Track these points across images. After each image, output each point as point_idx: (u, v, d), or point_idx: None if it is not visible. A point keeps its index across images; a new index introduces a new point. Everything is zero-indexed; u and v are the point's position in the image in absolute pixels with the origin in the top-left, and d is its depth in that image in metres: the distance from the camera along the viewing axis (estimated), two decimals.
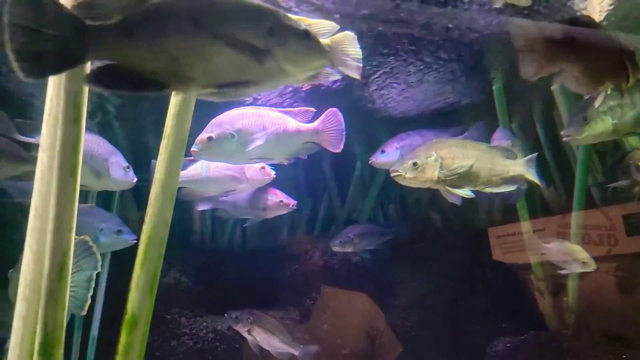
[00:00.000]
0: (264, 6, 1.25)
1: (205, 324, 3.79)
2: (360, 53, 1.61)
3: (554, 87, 2.87)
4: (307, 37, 1.27)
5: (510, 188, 2.38)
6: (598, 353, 2.85)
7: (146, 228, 1.53)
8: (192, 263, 3.98)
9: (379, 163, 3.06)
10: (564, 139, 2.43)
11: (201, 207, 3.36)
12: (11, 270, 2.15)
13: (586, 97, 2.47)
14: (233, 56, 1.18)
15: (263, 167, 2.87)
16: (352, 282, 3.97)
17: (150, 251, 1.50)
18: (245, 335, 3.27)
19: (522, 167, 2.35)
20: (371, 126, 3.76)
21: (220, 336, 3.73)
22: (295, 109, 2.42)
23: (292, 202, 3.24)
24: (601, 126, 2.33)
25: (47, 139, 1.44)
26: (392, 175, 2.29)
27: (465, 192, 2.33)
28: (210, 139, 2.29)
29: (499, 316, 3.56)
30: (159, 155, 1.57)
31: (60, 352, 1.31)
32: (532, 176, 2.38)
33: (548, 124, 3.50)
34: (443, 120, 3.52)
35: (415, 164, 2.23)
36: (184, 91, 1.29)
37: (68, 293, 1.34)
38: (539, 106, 3.42)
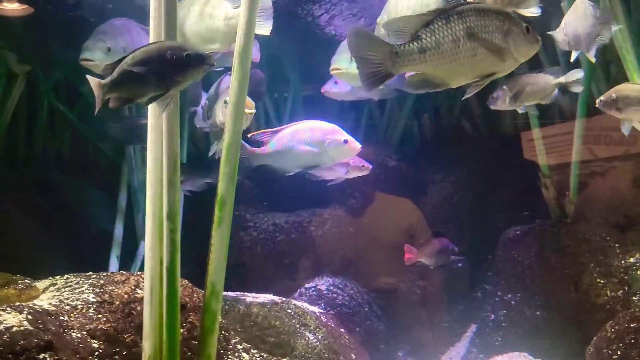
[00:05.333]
0: (501, 11, 1.79)
1: (266, 218, 4.57)
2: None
3: (564, 4, 3.13)
4: (528, 31, 1.77)
5: None
6: (591, 236, 3.39)
7: (226, 137, 2.15)
8: (254, 169, 4.67)
9: (331, 93, 3.33)
10: None
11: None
12: None
13: None
14: (488, 56, 1.72)
15: (346, 141, 2.87)
16: (389, 183, 4.58)
17: (231, 152, 2.13)
18: None
19: None
20: None
21: (279, 228, 4.50)
22: None
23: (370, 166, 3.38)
24: None
25: None
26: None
27: None
28: None
29: (516, 209, 4.11)
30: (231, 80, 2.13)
31: (179, 219, 2.00)
32: None
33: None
34: None
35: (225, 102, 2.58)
36: (456, 85, 1.87)
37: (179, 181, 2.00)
38: None
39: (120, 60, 1.78)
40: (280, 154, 2.96)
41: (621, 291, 3.06)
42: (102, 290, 2.20)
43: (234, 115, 2.14)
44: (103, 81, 1.77)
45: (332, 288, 4.20)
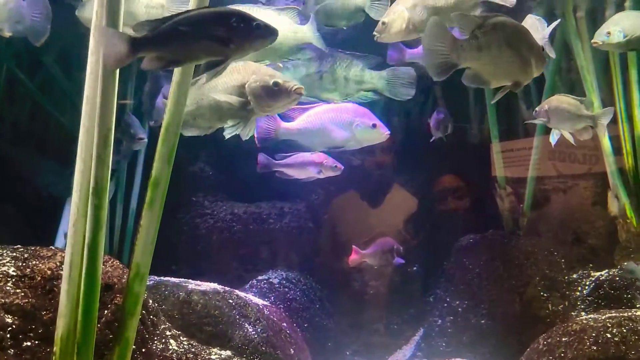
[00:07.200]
0: (527, 29, 2.11)
1: (224, 207, 4.51)
2: None
3: None
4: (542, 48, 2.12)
5: None
6: (539, 249, 3.41)
7: (166, 117, 2.09)
8: (215, 155, 4.61)
9: None
10: None
11: (262, 170, 3.39)
12: None
13: None
14: (518, 65, 2.00)
15: (375, 125, 2.85)
16: (351, 182, 4.54)
17: (169, 132, 2.07)
18: None
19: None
20: None
21: (237, 218, 4.44)
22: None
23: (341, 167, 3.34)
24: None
25: (93, 58, 1.96)
26: None
27: None
28: None
29: (473, 218, 4.12)
30: None
31: (106, 196, 1.93)
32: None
33: None
34: None
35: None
36: (493, 86, 2.07)
37: (111, 157, 1.94)
38: None
39: (162, 19, 1.67)
40: (308, 131, 2.93)
41: (562, 305, 3.09)
42: (24, 264, 2.12)
43: (176, 95, 2.08)
44: (134, 35, 1.64)
45: (284, 282, 4.15)
